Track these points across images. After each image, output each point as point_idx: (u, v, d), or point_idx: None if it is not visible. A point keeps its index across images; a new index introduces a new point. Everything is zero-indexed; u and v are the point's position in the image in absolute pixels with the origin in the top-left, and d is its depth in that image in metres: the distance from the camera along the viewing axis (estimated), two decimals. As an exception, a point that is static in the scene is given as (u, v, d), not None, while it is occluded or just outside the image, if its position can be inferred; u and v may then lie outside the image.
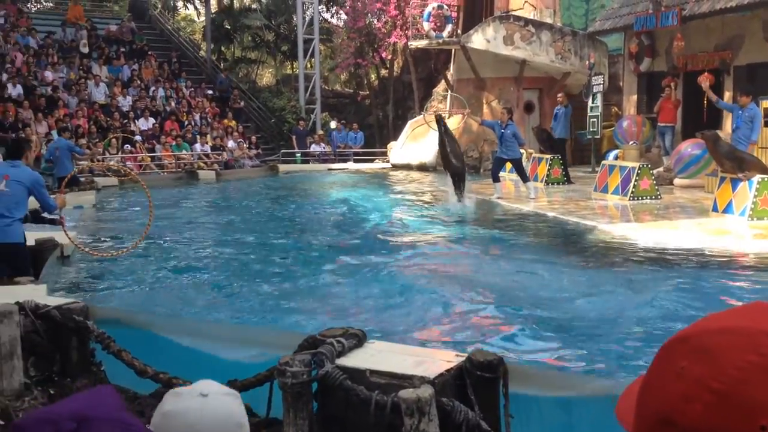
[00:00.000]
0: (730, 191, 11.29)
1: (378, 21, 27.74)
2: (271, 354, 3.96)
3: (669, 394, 0.69)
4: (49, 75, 23.19)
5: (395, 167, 23.11)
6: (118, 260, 9.29)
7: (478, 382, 3.52)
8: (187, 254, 10.16)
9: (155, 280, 8.61)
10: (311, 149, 25.05)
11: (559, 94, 18.61)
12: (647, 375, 0.75)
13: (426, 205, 15.09)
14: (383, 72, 31.34)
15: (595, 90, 18.57)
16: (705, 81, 13.05)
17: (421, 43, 22.45)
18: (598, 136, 18.94)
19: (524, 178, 14.84)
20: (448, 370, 3.53)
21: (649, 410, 0.71)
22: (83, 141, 20.34)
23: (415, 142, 23.40)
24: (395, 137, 25.24)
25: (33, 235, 7.65)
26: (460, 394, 3.50)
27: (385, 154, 24.79)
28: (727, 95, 15.92)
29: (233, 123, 25.12)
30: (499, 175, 15.02)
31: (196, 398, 1.55)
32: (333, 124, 26.62)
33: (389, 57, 29.74)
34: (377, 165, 24.21)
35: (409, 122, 24.60)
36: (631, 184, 13.53)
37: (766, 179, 10.90)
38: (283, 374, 3.46)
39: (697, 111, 16.59)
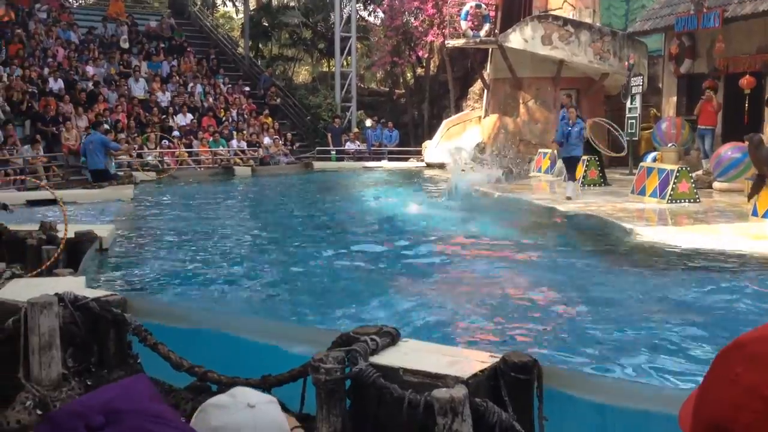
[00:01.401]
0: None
1: (415, 19, 27.70)
2: (306, 351, 3.97)
3: (722, 401, 0.68)
4: (90, 70, 23.54)
5: (429, 166, 23.08)
6: (155, 254, 9.40)
7: (512, 383, 3.50)
8: (222, 250, 10.24)
9: (191, 274, 8.70)
10: (346, 147, 25.11)
11: (564, 96, 17.72)
12: (704, 381, 0.74)
13: (459, 205, 15.02)
14: (419, 71, 31.29)
15: (634, 91, 18.35)
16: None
17: (459, 42, 22.37)
18: (636, 138, 18.72)
19: (572, 177, 14.74)
20: (482, 371, 3.52)
21: (704, 417, 0.70)
22: (122, 136, 20.64)
23: (450, 141, 23.34)
24: (430, 136, 25.20)
25: (73, 227, 7.78)
26: (493, 395, 3.48)
27: (419, 152, 24.77)
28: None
29: (269, 120, 25.28)
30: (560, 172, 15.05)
31: (244, 410, 1.52)
32: (368, 122, 26.65)
33: (425, 55, 29.69)
34: (412, 164, 24.19)
35: (445, 121, 24.55)
36: (669, 187, 13.35)
37: (808, 184, 10.69)
38: (317, 371, 3.47)
39: (738, 114, 16.29)
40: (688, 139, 17.79)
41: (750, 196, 11.82)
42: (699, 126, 16.86)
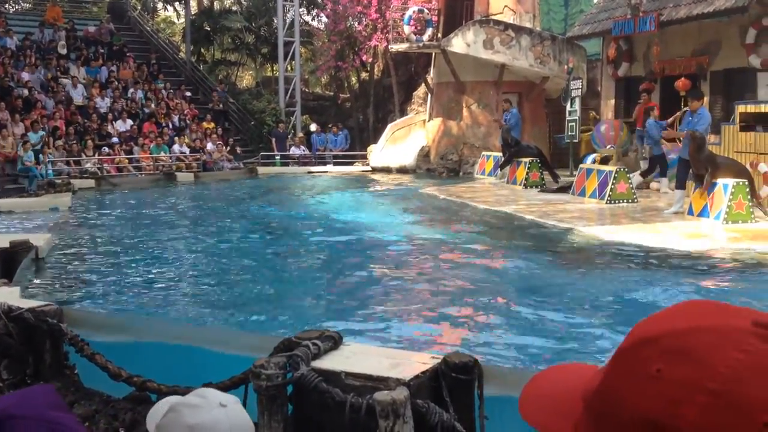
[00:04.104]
0: (705, 195, 11.41)
1: (359, 24, 27.74)
2: (247, 357, 3.94)
3: (650, 399, 0.69)
4: (26, 76, 22.97)
5: (375, 170, 23.13)
6: (93, 263, 9.21)
7: (453, 383, 3.53)
8: (161, 258, 10.09)
9: (130, 283, 8.55)
10: (291, 152, 25.00)
11: (504, 100, 18.98)
12: (611, 378, 0.74)
13: (402, 207, 15.10)
14: (363, 75, 31.34)
15: (573, 94, 18.67)
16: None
17: (402, 47, 22.48)
18: (577, 140, 19.04)
19: (663, 173, 15.07)
20: (423, 372, 3.54)
21: (624, 416, 0.70)
22: (60, 143, 20.20)
23: (395, 145, 23.44)
24: (375, 140, 25.25)
25: (7, 237, 7.58)
26: (435, 396, 3.50)
27: (365, 157, 24.80)
28: (704, 100, 16.06)
29: (212, 125, 25.02)
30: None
31: (218, 409, 1.56)
32: (313, 127, 26.59)
33: (370, 60, 29.75)
34: (357, 168, 24.20)
35: (389, 125, 24.63)
36: (608, 188, 13.62)
37: (741, 183, 11.02)
38: (258, 377, 3.45)
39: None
40: (626, 141, 18.19)
41: (677, 188, 12.10)
42: (637, 128, 17.26)
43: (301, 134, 26.20)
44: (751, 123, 13.06)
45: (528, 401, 0.82)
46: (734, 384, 0.66)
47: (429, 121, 23.16)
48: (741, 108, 13.30)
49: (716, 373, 0.67)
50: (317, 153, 25.08)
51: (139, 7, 33.61)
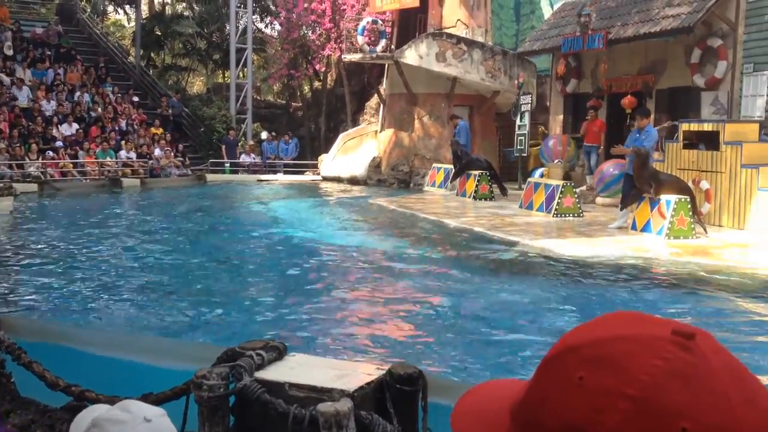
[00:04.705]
0: (648, 211, 11.66)
1: (312, 33, 27.74)
2: (189, 367, 3.88)
3: (573, 407, 0.69)
4: (-32, 76, 22.41)
5: (326, 180, 23.09)
6: (32, 269, 8.99)
7: (398, 395, 3.52)
8: (103, 265, 9.89)
9: (70, 291, 8.36)
10: (241, 159, 24.82)
11: (451, 116, 19.34)
12: (536, 388, 0.75)
13: (352, 218, 15.10)
14: (316, 84, 31.32)
15: (523, 109, 18.95)
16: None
17: (355, 57, 22.53)
18: (525, 154, 19.31)
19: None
20: (368, 384, 3.53)
21: (548, 424, 0.71)
22: (2, 145, 19.71)
23: (347, 155, 23.44)
24: (327, 150, 25.22)
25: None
26: (379, 408, 3.50)
27: (316, 166, 24.74)
28: (651, 118, 16.44)
29: (160, 130, 24.70)
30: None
31: (142, 425, 1.50)
32: (264, 135, 26.45)
33: (323, 69, 29.75)
34: (308, 177, 24.14)
35: (341, 135, 24.63)
36: (555, 202, 13.83)
37: (683, 200, 11.29)
38: (200, 387, 3.39)
39: (621, 132, 17.08)
40: (573, 156, 18.51)
41: (624, 205, 12.34)
42: (584, 143, 17.58)
43: (252, 142, 26.03)
44: (694, 141, 13.39)
45: (459, 417, 0.82)
46: (653, 391, 0.67)
47: (381, 131, 23.23)
48: (685, 126, 13.63)
49: (636, 381, 0.68)
50: (268, 161, 24.95)
51: (88, 10, 33.08)
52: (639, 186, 11.78)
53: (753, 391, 0.69)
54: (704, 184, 12.64)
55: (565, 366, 0.72)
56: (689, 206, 11.33)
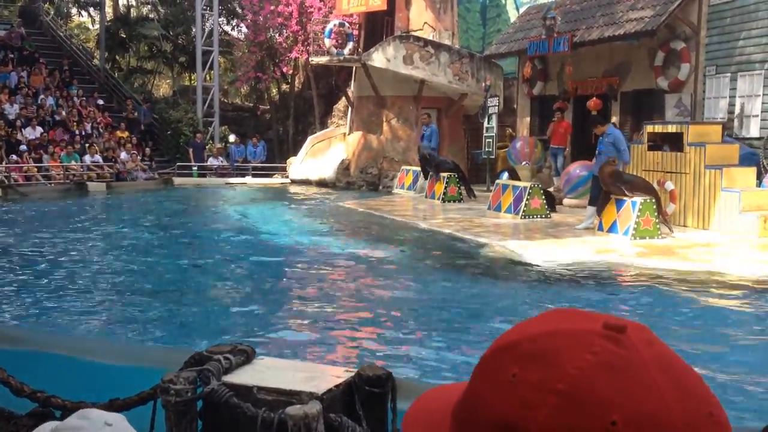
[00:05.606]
0: (615, 212, 11.79)
1: (279, 36, 27.63)
2: (156, 371, 3.84)
3: (506, 403, 0.70)
4: (-72, 79, 21.99)
5: (294, 182, 23.02)
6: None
7: (367, 397, 3.52)
8: (68, 270, 9.76)
9: (33, 297, 8.24)
10: (208, 162, 24.65)
11: (423, 114, 19.40)
12: (473, 386, 0.75)
13: (320, 221, 15.07)
14: (284, 87, 31.21)
15: (490, 111, 19.05)
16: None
17: (322, 60, 22.50)
18: (493, 156, 19.42)
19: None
20: (337, 386, 3.52)
21: (487, 420, 0.71)
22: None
23: (315, 158, 23.40)
24: (295, 152, 25.15)
25: None
26: (348, 410, 3.49)
27: (284, 169, 24.66)
28: (614, 119, 16.65)
29: (126, 134, 24.43)
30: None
31: (104, 428, 1.50)
32: (232, 138, 26.29)
33: (290, 72, 29.65)
34: (276, 180, 24.04)
35: (310, 138, 24.58)
36: (523, 203, 13.93)
37: (648, 201, 11.44)
38: (167, 392, 3.36)
39: (586, 134, 17.26)
40: (540, 158, 18.66)
41: (598, 212, 12.47)
42: (551, 145, 17.73)
43: (219, 145, 25.87)
44: (658, 142, 13.57)
45: (409, 421, 0.83)
46: (582, 384, 0.67)
47: (349, 134, 23.22)
48: (649, 128, 13.81)
49: (566, 375, 0.68)
50: (236, 164, 24.81)
51: (52, 12, 32.62)
52: (605, 187, 11.91)
53: (685, 381, 0.69)
54: (669, 185, 12.81)
55: (500, 363, 0.73)
56: (654, 207, 11.48)
